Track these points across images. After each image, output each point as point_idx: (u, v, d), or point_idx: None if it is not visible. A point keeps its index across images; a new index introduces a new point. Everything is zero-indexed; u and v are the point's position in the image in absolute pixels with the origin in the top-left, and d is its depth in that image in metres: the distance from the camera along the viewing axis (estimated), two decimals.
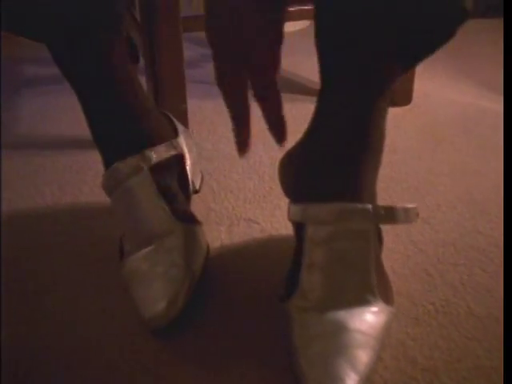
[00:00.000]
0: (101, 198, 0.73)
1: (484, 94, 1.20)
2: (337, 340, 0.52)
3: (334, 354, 0.51)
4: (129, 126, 0.67)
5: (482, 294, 0.65)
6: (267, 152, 0.95)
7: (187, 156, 0.72)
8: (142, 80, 0.97)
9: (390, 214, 0.57)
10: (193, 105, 1.04)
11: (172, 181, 0.69)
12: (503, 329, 0.60)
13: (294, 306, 0.57)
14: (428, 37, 0.53)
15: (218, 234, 0.75)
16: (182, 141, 0.72)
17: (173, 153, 0.68)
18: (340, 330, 0.53)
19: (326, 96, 0.58)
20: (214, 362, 0.57)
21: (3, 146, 0.99)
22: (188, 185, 0.73)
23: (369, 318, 0.55)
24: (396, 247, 0.72)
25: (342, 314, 0.54)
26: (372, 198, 0.59)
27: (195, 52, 1.49)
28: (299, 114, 1.10)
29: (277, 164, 0.66)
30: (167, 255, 0.62)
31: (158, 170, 0.66)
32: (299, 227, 0.60)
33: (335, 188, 0.57)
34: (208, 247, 0.67)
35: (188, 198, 0.73)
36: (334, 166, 0.58)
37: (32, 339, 0.59)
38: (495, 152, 0.96)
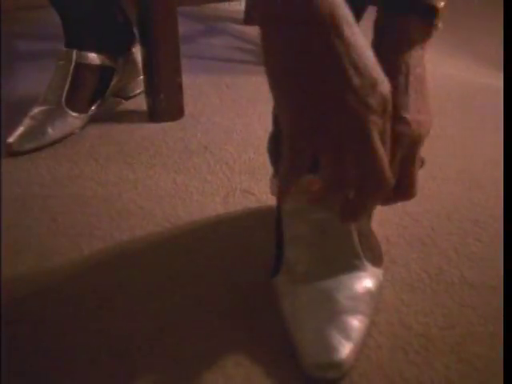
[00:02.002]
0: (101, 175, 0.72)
1: (482, 68, 1.20)
2: (326, 308, 0.52)
3: (324, 324, 0.51)
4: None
5: (476, 262, 0.65)
6: (262, 125, 0.95)
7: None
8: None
9: None
10: (188, 79, 1.03)
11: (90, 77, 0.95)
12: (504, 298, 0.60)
13: (282, 280, 0.57)
14: None
15: (213, 205, 0.75)
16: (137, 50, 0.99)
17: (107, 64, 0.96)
18: (328, 299, 0.53)
19: None
20: (209, 336, 0.56)
21: None
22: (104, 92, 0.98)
23: (357, 284, 0.55)
24: (392, 218, 0.72)
25: (330, 283, 0.54)
26: None
27: (190, 27, 1.48)
28: None
29: None
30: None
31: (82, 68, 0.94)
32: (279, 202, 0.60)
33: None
34: None
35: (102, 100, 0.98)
36: None
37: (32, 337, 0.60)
38: (492, 126, 0.96)
